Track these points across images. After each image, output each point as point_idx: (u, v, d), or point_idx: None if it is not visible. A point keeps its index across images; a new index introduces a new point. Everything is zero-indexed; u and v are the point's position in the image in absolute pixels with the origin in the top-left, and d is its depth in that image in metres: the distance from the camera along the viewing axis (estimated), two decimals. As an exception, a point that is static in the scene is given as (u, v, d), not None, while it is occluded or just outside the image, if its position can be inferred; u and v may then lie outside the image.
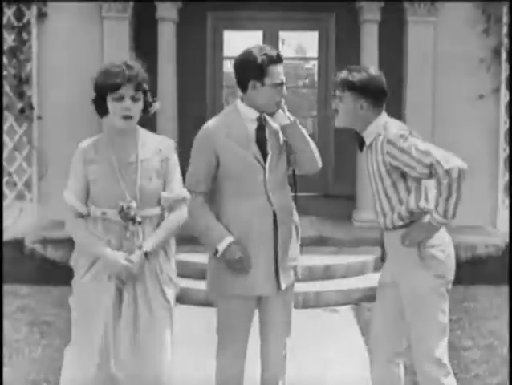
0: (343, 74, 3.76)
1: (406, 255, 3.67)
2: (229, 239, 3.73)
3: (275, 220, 3.82)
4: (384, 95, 3.75)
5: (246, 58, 3.77)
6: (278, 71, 3.76)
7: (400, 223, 3.69)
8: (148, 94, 3.71)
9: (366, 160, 3.79)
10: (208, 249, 3.85)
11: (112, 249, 3.64)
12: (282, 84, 3.78)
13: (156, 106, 3.77)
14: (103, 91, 3.62)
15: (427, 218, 3.62)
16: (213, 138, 3.77)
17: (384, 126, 3.70)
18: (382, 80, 3.75)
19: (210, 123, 3.86)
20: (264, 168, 3.79)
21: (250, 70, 3.74)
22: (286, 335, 3.98)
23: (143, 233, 3.66)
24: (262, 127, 3.84)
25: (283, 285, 3.84)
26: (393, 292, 3.76)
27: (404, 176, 3.65)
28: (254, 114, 3.82)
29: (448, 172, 3.55)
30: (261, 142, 3.82)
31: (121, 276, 3.60)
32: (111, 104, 3.63)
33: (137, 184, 3.64)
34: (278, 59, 3.76)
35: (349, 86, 3.71)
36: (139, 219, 3.63)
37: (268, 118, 3.86)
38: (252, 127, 3.82)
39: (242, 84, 3.81)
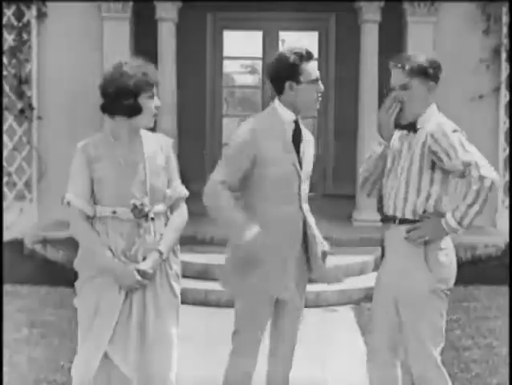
0: (407, 62, 3.70)
1: (409, 254, 3.64)
2: (254, 229, 3.66)
3: (304, 228, 3.89)
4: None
5: (279, 60, 3.81)
6: (312, 68, 3.80)
7: (410, 217, 3.66)
8: None
9: (401, 144, 3.73)
10: (231, 239, 3.84)
11: (122, 249, 3.62)
12: (317, 80, 3.82)
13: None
14: (139, 90, 3.58)
15: (442, 221, 3.59)
16: (257, 138, 3.74)
17: (436, 114, 3.81)
18: (439, 63, 3.79)
19: (254, 123, 3.81)
20: (300, 176, 3.82)
21: (285, 71, 3.77)
22: (295, 337, 4.02)
23: (154, 229, 3.66)
24: (298, 130, 3.86)
25: (300, 291, 3.93)
26: (392, 291, 3.74)
27: (433, 167, 3.63)
28: (291, 116, 3.83)
29: (481, 179, 3.51)
30: (297, 147, 3.84)
31: (133, 288, 3.59)
32: (145, 102, 3.61)
33: (147, 181, 3.64)
34: (308, 56, 3.79)
35: (418, 70, 3.70)
36: (152, 215, 3.63)
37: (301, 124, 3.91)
38: (290, 131, 3.83)
39: (279, 87, 3.81)
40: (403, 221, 3.67)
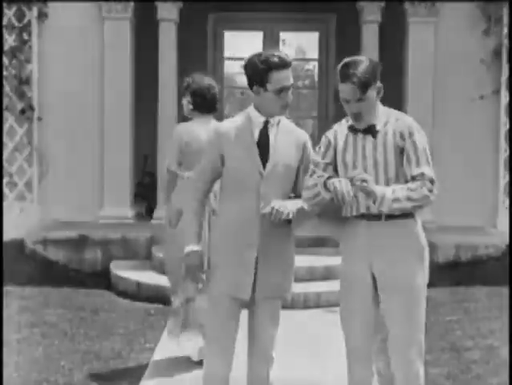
0: (357, 75, 3.59)
1: (406, 248, 3.65)
2: (192, 247, 3.80)
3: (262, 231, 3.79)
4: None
5: (249, 62, 3.79)
6: (281, 77, 3.72)
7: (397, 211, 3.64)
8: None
9: (362, 147, 3.68)
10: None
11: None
12: (286, 89, 3.76)
13: None
14: None
15: (387, 189, 3.56)
16: (221, 139, 3.80)
17: (386, 111, 3.72)
18: (378, 62, 3.75)
19: (222, 125, 3.91)
20: (262, 175, 3.77)
21: (253, 75, 3.77)
22: (271, 344, 3.94)
23: None
24: (265, 133, 3.82)
25: (258, 296, 3.82)
26: (370, 288, 3.72)
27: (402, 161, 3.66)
28: (262, 118, 3.82)
29: (432, 193, 3.57)
30: (263, 148, 3.81)
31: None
32: None
33: None
34: (281, 65, 3.72)
35: (370, 82, 3.61)
36: None
37: (275, 121, 3.86)
38: (257, 132, 3.82)
39: (250, 87, 3.84)
40: (389, 217, 3.65)
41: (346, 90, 3.62)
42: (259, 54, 3.77)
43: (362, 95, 3.60)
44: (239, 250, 3.78)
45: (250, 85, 3.81)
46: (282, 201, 3.72)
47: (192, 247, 3.81)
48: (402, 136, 3.64)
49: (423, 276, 3.70)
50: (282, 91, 3.75)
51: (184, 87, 5.58)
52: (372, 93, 3.64)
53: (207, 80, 5.58)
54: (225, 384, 3.87)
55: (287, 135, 3.86)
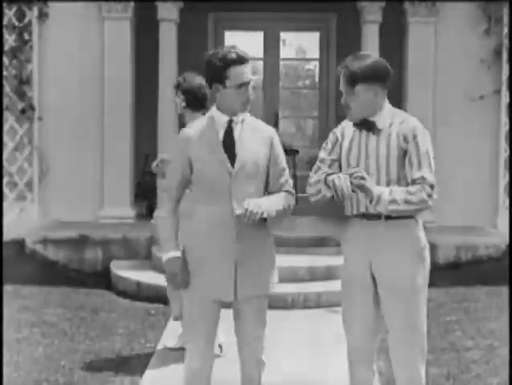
0: (348, 67, 3.62)
1: (405, 249, 3.65)
2: (171, 254, 3.77)
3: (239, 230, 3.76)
4: (389, 76, 3.69)
5: (208, 61, 3.76)
6: (239, 72, 3.70)
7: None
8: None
9: (365, 145, 3.68)
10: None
11: None
12: (245, 85, 3.73)
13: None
14: None
15: (385, 189, 3.55)
16: (187, 143, 3.77)
17: (393, 112, 3.70)
18: (385, 62, 3.70)
19: (187, 129, 3.87)
20: (230, 174, 3.74)
21: (211, 73, 3.74)
22: (260, 345, 3.91)
23: None
24: (230, 132, 3.79)
25: (241, 297, 3.78)
26: (370, 288, 3.73)
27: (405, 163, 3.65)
28: (225, 118, 3.80)
29: (431, 197, 3.55)
30: (230, 147, 3.77)
31: None
32: None
33: None
34: (238, 60, 3.70)
35: (361, 76, 3.60)
36: None
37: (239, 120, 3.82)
38: (221, 132, 3.79)
39: (209, 86, 3.81)
40: (389, 217, 3.64)
41: (340, 80, 3.68)
42: (217, 52, 3.74)
43: (349, 89, 3.62)
44: (217, 254, 3.74)
45: (210, 84, 3.77)
46: (255, 200, 3.66)
47: (172, 254, 3.77)
48: (405, 139, 3.62)
49: (423, 276, 3.69)
50: (241, 86, 3.71)
51: (176, 86, 5.81)
52: (363, 91, 3.62)
53: (198, 79, 5.75)
54: (204, 382, 3.87)
55: (253, 133, 3.81)
